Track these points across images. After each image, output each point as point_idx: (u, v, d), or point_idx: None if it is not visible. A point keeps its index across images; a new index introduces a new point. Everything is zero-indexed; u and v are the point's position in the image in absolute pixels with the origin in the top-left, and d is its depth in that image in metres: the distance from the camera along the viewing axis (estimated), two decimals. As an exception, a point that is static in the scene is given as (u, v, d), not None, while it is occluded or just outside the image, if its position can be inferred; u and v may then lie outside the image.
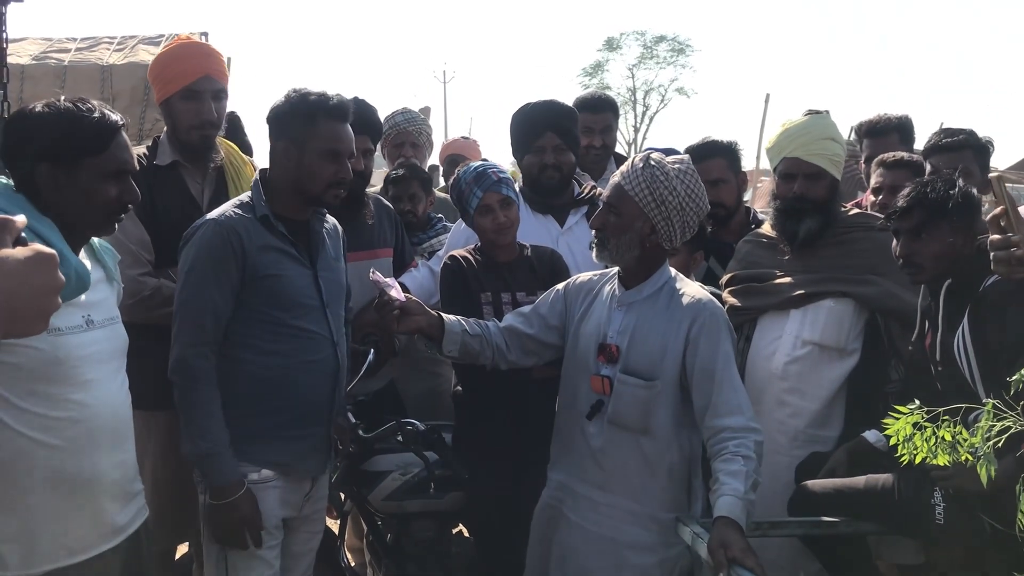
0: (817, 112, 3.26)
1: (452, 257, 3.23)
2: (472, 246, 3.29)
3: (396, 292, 2.75)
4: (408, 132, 4.54)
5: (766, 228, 3.38)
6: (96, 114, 2.15)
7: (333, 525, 3.54)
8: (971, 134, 3.69)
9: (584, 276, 2.92)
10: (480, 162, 3.29)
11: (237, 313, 2.60)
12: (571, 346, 2.82)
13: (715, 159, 3.58)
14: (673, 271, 2.78)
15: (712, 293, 2.80)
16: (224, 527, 2.57)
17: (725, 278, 3.35)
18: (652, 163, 2.64)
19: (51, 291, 1.21)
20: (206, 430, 2.54)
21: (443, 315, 2.82)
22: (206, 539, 2.68)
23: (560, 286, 2.92)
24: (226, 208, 2.67)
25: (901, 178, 3.38)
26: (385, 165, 4.78)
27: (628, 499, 2.66)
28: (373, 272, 2.81)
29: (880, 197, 3.56)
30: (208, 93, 3.13)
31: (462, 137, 6.59)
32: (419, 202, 4.08)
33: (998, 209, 2.15)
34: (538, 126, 3.59)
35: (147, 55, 6.32)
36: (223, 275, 2.56)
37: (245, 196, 2.73)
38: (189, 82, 3.10)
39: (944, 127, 3.94)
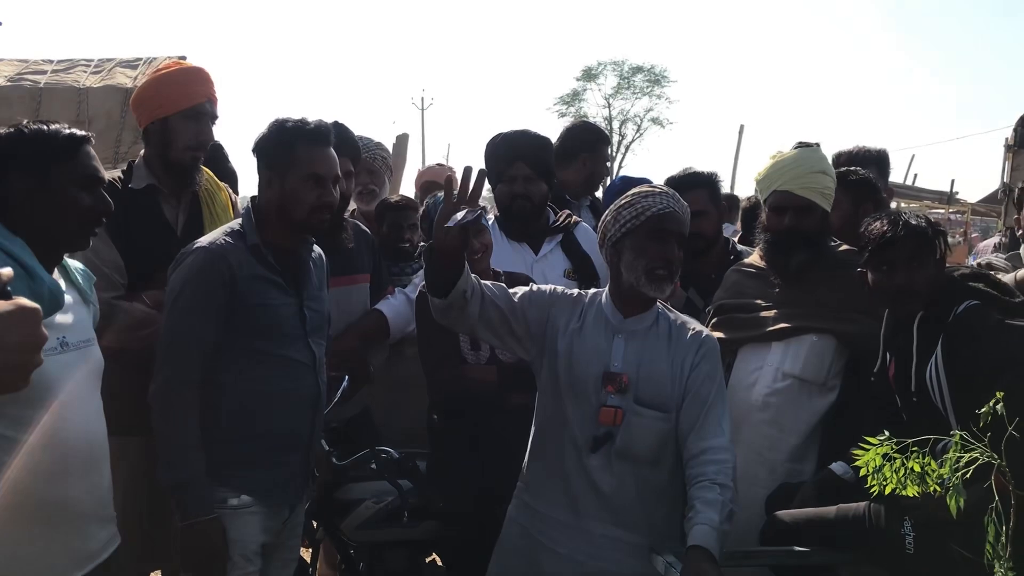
0: (808, 145, 3.27)
1: None
2: None
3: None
4: (362, 160, 4.55)
5: (755, 258, 3.38)
6: (61, 126, 2.21)
7: (305, 554, 3.51)
8: (871, 151, 3.87)
9: (567, 291, 2.81)
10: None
11: (223, 340, 2.59)
12: (561, 369, 2.67)
13: (697, 190, 3.58)
14: (659, 302, 2.77)
15: None
16: (194, 556, 2.55)
17: (713, 307, 3.35)
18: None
19: (33, 348, 1.19)
20: (183, 460, 2.53)
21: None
22: (183, 567, 2.66)
23: (546, 291, 2.77)
24: (217, 235, 2.68)
25: (856, 196, 3.48)
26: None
27: (630, 531, 2.61)
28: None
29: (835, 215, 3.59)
30: (208, 116, 3.19)
31: (438, 164, 6.60)
32: (416, 231, 4.11)
33: None
34: (509, 156, 3.63)
35: (124, 78, 6.30)
36: (211, 303, 2.56)
37: (236, 224, 2.74)
38: (194, 103, 3.15)
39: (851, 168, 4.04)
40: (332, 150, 2.74)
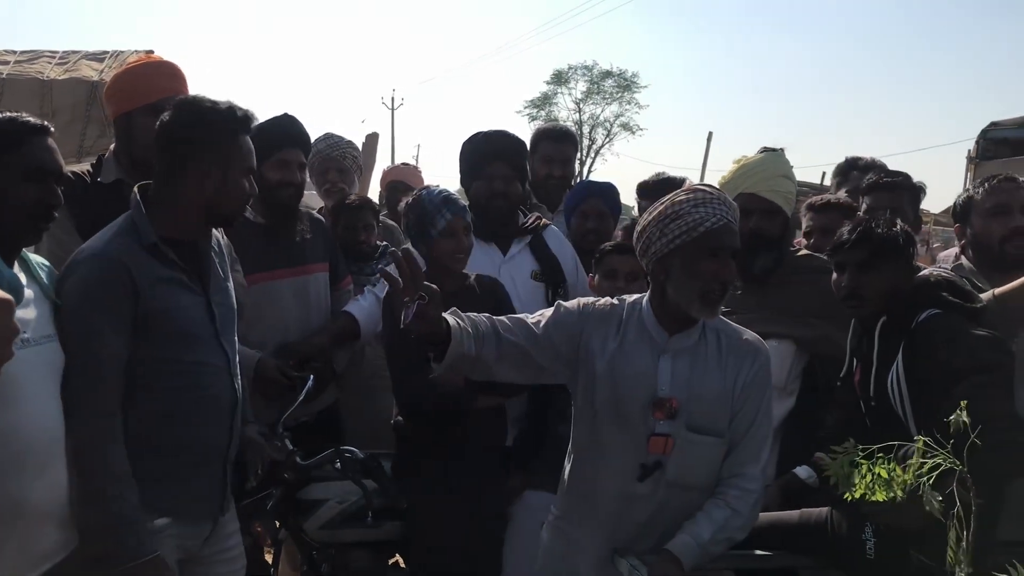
0: (773, 150, 3.33)
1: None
2: None
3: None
4: (332, 158, 4.51)
5: None
6: (11, 115, 2.12)
7: (268, 555, 3.47)
8: (907, 177, 3.80)
9: (599, 304, 2.57)
10: (436, 186, 3.30)
11: (130, 354, 2.35)
12: (602, 393, 2.47)
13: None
14: None
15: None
16: None
17: None
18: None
19: (4, 341, 1.16)
20: (118, 497, 2.25)
21: (451, 327, 2.28)
22: None
23: (573, 310, 2.54)
24: (106, 237, 2.39)
25: (832, 220, 3.47)
26: (315, 192, 4.75)
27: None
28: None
29: (813, 239, 3.64)
30: None
31: (403, 163, 6.56)
32: (372, 232, 4.09)
33: None
34: (489, 155, 3.63)
35: (90, 71, 6.21)
36: (117, 317, 2.30)
37: (124, 221, 2.45)
38: (157, 99, 3.04)
39: (882, 167, 4.07)
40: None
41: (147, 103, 3.07)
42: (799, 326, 3.12)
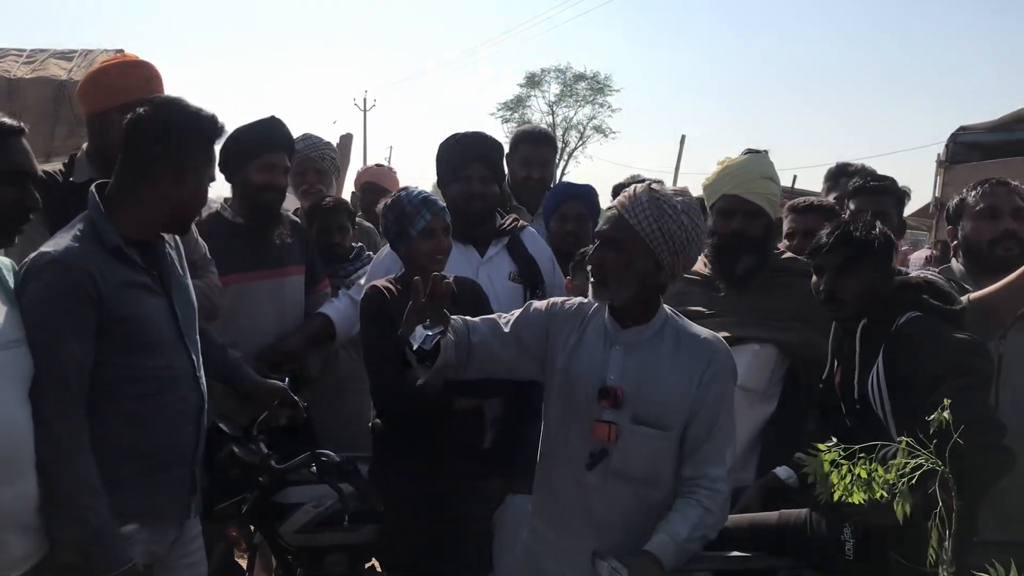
0: (756, 151, 3.32)
1: (373, 287, 3.18)
2: (393, 276, 3.26)
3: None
4: (311, 159, 4.47)
5: (699, 266, 3.39)
6: None
7: (242, 560, 3.44)
8: (892, 181, 3.83)
9: (567, 303, 2.64)
10: (416, 187, 3.29)
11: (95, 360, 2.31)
12: (559, 386, 2.55)
13: None
14: (668, 308, 2.60)
15: None
16: None
17: None
18: (658, 195, 2.43)
19: None
20: (90, 508, 2.22)
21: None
22: None
23: (542, 309, 2.62)
24: (66, 241, 2.32)
25: (814, 222, 3.46)
26: (291, 193, 4.72)
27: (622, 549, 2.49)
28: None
29: (795, 241, 3.65)
30: None
31: (377, 164, 6.51)
32: (347, 234, 4.07)
33: None
34: (467, 156, 3.63)
35: (58, 70, 6.13)
36: (80, 324, 2.25)
37: (81, 223, 2.39)
38: (132, 98, 3.00)
39: (868, 171, 4.10)
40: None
41: (123, 102, 3.02)
42: (780, 330, 3.12)
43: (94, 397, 2.30)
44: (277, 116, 3.59)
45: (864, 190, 3.71)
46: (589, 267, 2.51)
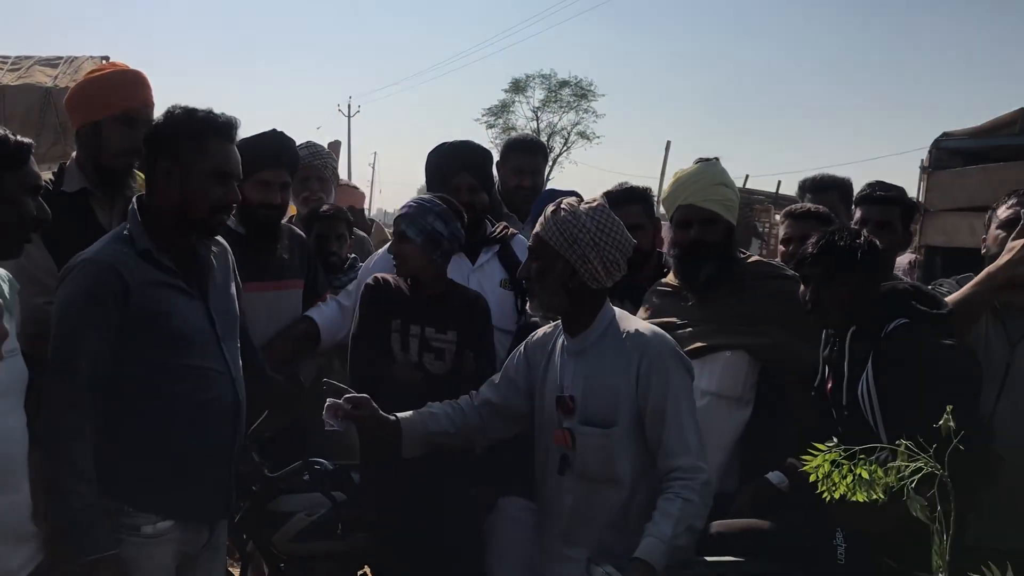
0: (708, 160, 3.37)
1: (378, 278, 3.26)
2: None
3: (336, 420, 2.75)
4: (314, 167, 4.47)
5: (669, 278, 3.45)
6: (8, 133, 2.15)
7: (234, 569, 3.42)
8: (901, 191, 3.83)
9: (540, 331, 2.90)
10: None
11: (125, 355, 2.39)
12: (538, 404, 2.80)
13: (632, 205, 3.61)
14: (616, 310, 2.77)
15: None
16: None
17: None
18: (562, 207, 2.66)
19: None
20: (75, 492, 2.28)
21: (399, 417, 2.79)
22: None
23: (521, 346, 2.92)
24: (103, 243, 2.48)
25: (809, 228, 3.47)
26: (292, 199, 4.70)
27: (599, 551, 2.60)
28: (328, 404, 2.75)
29: (790, 247, 3.67)
30: (142, 122, 3.06)
31: (351, 186, 6.31)
32: (344, 243, 4.05)
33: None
34: (454, 166, 3.65)
35: (44, 77, 6.12)
36: (101, 318, 2.35)
37: (122, 228, 2.52)
38: (127, 108, 3.04)
39: (877, 181, 4.10)
40: (236, 148, 2.58)
41: (117, 112, 3.03)
42: (750, 335, 3.13)
43: (127, 391, 2.39)
44: (279, 130, 3.53)
45: (870, 199, 3.72)
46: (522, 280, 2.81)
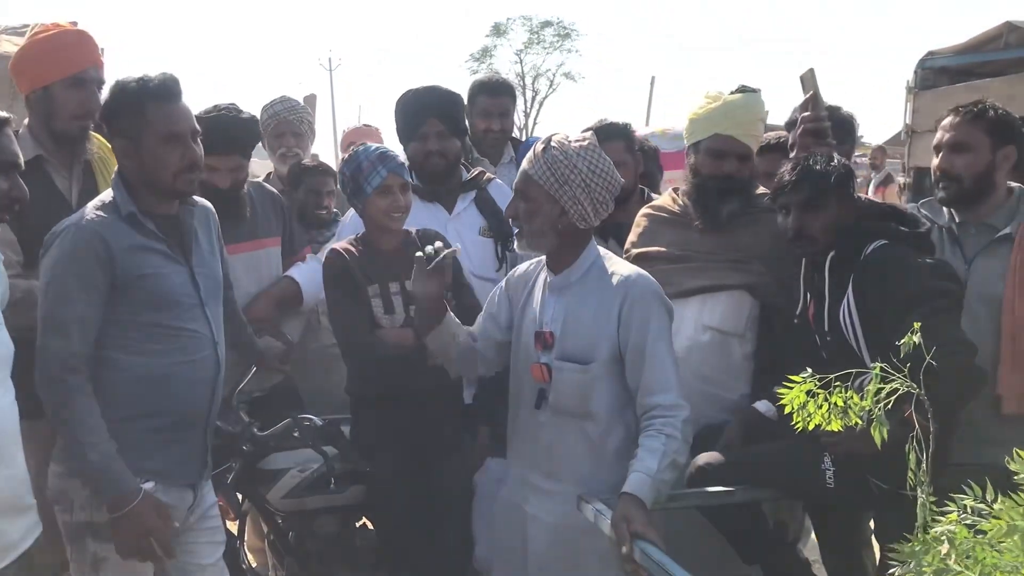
0: (752, 90, 3.18)
1: (333, 251, 3.14)
2: (352, 237, 3.22)
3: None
4: (289, 121, 4.40)
5: (667, 201, 3.34)
6: None
7: (232, 527, 3.44)
8: (836, 110, 3.62)
9: (521, 267, 2.85)
10: (377, 145, 3.23)
11: (111, 317, 2.42)
12: (515, 338, 2.77)
13: (614, 142, 3.48)
14: (601, 250, 2.73)
15: None
16: (129, 540, 2.38)
17: (633, 253, 3.25)
18: (552, 145, 2.58)
19: None
20: (91, 444, 2.35)
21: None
22: (77, 551, 2.51)
23: (502, 282, 2.88)
24: (88, 210, 2.48)
25: (772, 162, 3.31)
26: (267, 156, 4.64)
27: (579, 485, 2.60)
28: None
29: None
30: (94, 83, 3.01)
31: (364, 124, 6.39)
32: (332, 197, 4.01)
33: (808, 94, 2.99)
34: (421, 113, 3.55)
35: (11, 46, 5.97)
36: (88, 282, 2.38)
37: (107, 195, 2.52)
38: (77, 70, 2.98)
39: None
40: (184, 104, 2.51)
41: (67, 75, 2.96)
42: (750, 274, 3.07)
43: (110, 352, 2.43)
44: (232, 108, 3.35)
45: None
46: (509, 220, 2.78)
